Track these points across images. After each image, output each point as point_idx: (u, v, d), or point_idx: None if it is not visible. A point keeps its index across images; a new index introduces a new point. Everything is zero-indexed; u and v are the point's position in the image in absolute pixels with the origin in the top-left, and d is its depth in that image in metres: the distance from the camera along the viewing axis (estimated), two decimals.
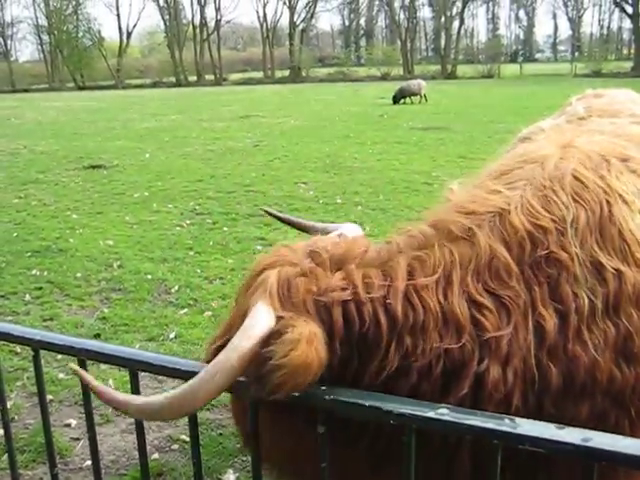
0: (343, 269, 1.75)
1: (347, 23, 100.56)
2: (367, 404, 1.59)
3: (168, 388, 4.54)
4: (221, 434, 4.01)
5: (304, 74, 65.47)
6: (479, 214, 1.88)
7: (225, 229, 8.86)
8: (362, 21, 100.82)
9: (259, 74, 70.56)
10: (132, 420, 4.14)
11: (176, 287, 6.59)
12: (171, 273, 7.03)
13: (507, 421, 1.47)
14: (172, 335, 5.42)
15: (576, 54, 78.44)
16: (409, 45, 70.16)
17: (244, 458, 3.78)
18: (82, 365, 1.99)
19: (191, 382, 1.54)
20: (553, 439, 1.43)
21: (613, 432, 1.72)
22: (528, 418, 1.66)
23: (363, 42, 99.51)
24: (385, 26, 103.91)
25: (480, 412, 1.54)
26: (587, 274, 1.77)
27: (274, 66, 70.74)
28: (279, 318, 1.61)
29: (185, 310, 5.99)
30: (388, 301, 1.69)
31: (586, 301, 1.74)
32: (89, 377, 1.70)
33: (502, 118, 21.48)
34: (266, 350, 1.52)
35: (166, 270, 7.13)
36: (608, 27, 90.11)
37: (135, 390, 1.99)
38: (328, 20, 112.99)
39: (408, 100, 30.63)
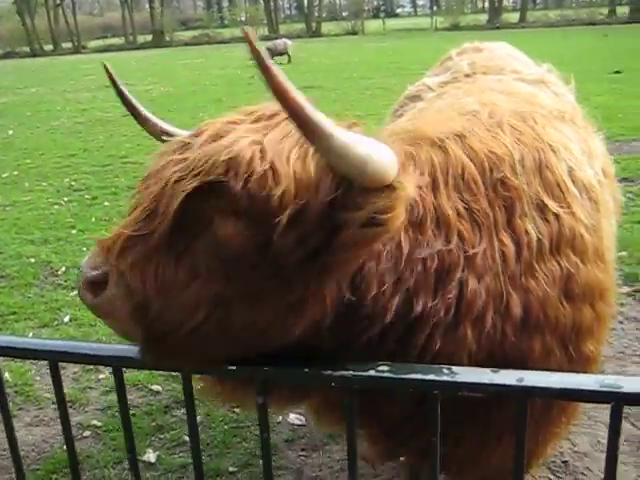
0: None
1: None
2: (307, 370, 1.66)
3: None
4: (134, 414, 3.97)
5: (168, 38, 63.30)
6: (444, 132, 1.91)
7: (106, 204, 8.60)
8: None
9: (120, 40, 67.37)
10: (37, 413, 4.06)
11: (63, 268, 6.36)
12: (55, 254, 6.77)
13: (445, 371, 1.57)
14: (66, 319, 5.26)
15: (435, 8, 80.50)
16: (272, 4, 69.38)
17: (161, 436, 3.78)
18: None
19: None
20: (490, 383, 1.55)
21: (556, 370, 1.91)
22: (496, 344, 1.80)
23: (225, 3, 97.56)
24: None
25: (419, 365, 1.64)
26: (534, 212, 1.87)
27: (135, 31, 67.80)
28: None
29: (76, 292, 5.78)
30: None
31: (534, 237, 1.83)
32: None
33: (371, 74, 21.88)
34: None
35: (49, 252, 6.86)
36: None
37: (57, 383, 1.94)
38: None
39: (277, 60, 30.48)
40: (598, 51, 26.58)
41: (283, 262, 1.49)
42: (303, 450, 3.59)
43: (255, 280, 1.53)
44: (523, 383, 1.56)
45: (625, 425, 3.55)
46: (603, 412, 3.55)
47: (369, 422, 2.01)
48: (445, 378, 1.59)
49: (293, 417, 3.81)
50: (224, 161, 1.48)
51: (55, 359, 1.95)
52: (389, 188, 1.41)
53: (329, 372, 1.63)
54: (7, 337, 2.23)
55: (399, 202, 1.43)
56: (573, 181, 2.03)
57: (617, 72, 18.67)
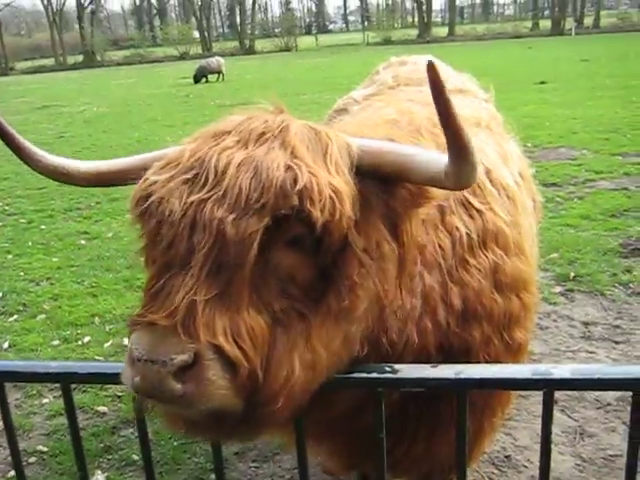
0: None
1: (138, 2, 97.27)
2: None
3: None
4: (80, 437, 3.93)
5: (99, 58, 62.52)
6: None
7: (43, 227, 8.44)
8: (154, 0, 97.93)
9: (50, 61, 66.17)
10: None
11: (0, 294, 6.23)
12: None
13: (387, 369, 1.64)
14: (6, 345, 5.14)
15: (366, 24, 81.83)
16: (205, 23, 69.27)
17: (109, 457, 3.75)
18: None
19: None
20: (430, 377, 1.64)
21: (495, 356, 2.02)
22: (444, 335, 1.90)
23: (157, 21, 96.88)
24: (178, 4, 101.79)
25: (363, 365, 1.71)
26: (460, 209, 1.98)
27: (65, 52, 66.69)
28: None
29: (15, 317, 5.69)
30: None
31: (464, 232, 1.94)
32: None
33: (305, 89, 22.09)
34: None
35: None
36: None
37: (2, 403, 1.89)
38: (118, 0, 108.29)
39: (211, 78, 30.44)
40: (524, 63, 27.51)
41: (353, 276, 1.50)
42: (254, 461, 3.61)
43: (325, 303, 1.48)
44: (461, 376, 1.66)
45: (562, 417, 3.71)
46: (540, 407, 3.70)
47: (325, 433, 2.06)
48: (388, 375, 1.67)
49: None
50: (297, 192, 1.37)
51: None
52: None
53: None
54: None
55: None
56: (490, 181, 2.17)
57: (542, 82, 19.37)
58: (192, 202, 1.39)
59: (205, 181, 1.42)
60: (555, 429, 3.64)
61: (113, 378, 1.70)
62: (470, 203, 2.01)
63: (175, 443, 3.75)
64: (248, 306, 1.36)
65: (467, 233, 1.95)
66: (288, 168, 1.40)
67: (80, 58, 64.61)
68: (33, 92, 31.66)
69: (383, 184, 1.57)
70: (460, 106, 2.67)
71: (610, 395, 3.91)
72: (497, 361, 2.06)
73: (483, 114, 2.76)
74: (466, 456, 1.78)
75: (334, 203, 1.40)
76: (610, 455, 3.44)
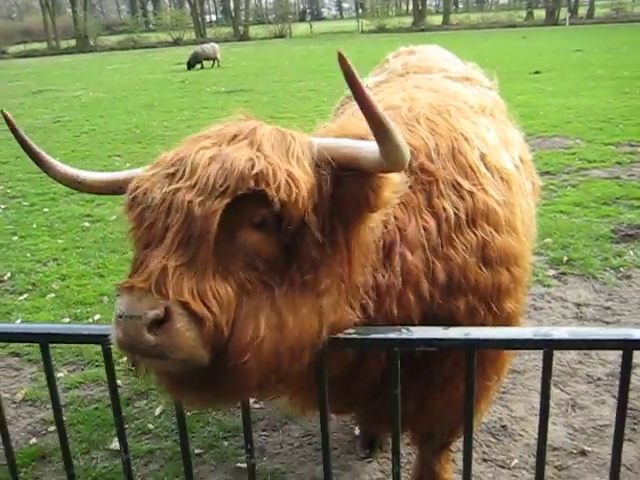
0: None
1: None
2: None
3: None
4: (97, 408, 4.10)
5: (92, 43, 62.04)
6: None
7: (46, 210, 8.59)
8: None
9: (42, 45, 65.67)
10: None
11: (8, 274, 6.37)
12: None
13: (404, 330, 1.85)
14: (17, 322, 5.32)
15: (360, 11, 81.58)
16: (199, 9, 68.94)
17: (126, 426, 3.92)
18: None
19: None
20: (443, 337, 1.85)
21: (481, 323, 2.24)
22: (427, 306, 2.10)
23: (150, 7, 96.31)
24: None
25: (381, 327, 1.91)
26: (450, 191, 2.18)
27: (58, 36, 66.18)
28: None
29: (25, 295, 5.85)
30: None
31: (452, 213, 2.14)
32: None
33: (301, 77, 22.18)
34: None
35: None
36: None
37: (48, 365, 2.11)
38: None
39: (206, 64, 30.44)
40: (518, 52, 27.66)
41: (311, 253, 1.72)
42: (264, 430, 3.81)
43: (288, 276, 1.69)
44: (470, 336, 1.86)
45: (555, 390, 3.92)
46: (535, 380, 3.91)
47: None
48: (404, 336, 1.87)
49: (251, 401, 4.02)
50: (253, 175, 1.61)
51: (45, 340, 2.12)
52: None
53: None
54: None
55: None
56: (485, 164, 2.36)
57: (536, 72, 19.55)
58: (170, 191, 1.65)
59: (182, 174, 1.67)
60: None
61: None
62: (461, 185, 2.21)
63: (189, 414, 3.93)
64: (215, 273, 1.59)
65: (455, 213, 2.15)
66: (249, 159, 1.65)
67: (73, 42, 64.13)
68: (27, 76, 31.58)
69: (340, 176, 1.76)
70: (466, 94, 2.86)
71: (600, 370, 4.13)
72: None
73: (487, 101, 2.94)
74: (473, 413, 1.98)
75: (290, 186, 1.62)
76: (600, 425, 3.66)
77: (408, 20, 65.24)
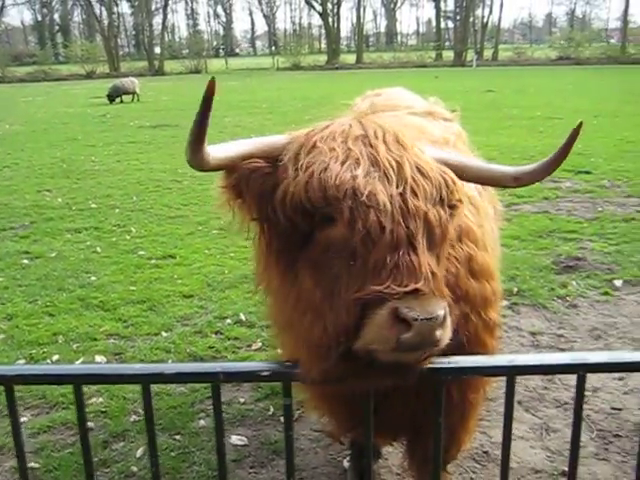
0: None
1: (40, 18, 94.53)
2: None
3: None
4: (72, 453, 3.97)
5: (0, 74, 60.16)
6: None
7: None
8: (56, 16, 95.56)
9: None
10: None
11: None
12: None
13: (451, 360, 1.93)
14: None
15: (273, 48, 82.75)
16: (113, 41, 68.11)
17: (106, 470, 3.82)
18: None
19: None
20: (488, 365, 1.98)
21: (475, 332, 2.43)
22: None
23: (59, 38, 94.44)
24: (82, 21, 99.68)
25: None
26: None
27: None
28: None
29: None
30: None
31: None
32: None
33: (225, 112, 22.18)
34: None
35: None
36: (300, 23, 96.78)
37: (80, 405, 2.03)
38: (18, 15, 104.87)
39: (125, 99, 30.05)
40: (433, 92, 28.29)
41: None
42: (252, 468, 3.78)
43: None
44: (513, 363, 1.98)
45: (527, 415, 4.11)
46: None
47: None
48: (452, 365, 1.97)
49: (235, 439, 4.01)
50: (456, 188, 1.96)
51: (80, 382, 2.06)
52: None
53: None
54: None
55: None
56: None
57: (453, 111, 20.29)
58: (395, 194, 1.81)
59: (397, 179, 1.84)
60: (523, 427, 4.04)
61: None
62: None
63: (172, 454, 3.88)
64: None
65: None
66: (443, 172, 1.93)
67: None
68: None
69: None
70: (430, 127, 3.05)
71: (565, 395, 4.34)
72: (477, 337, 2.46)
73: (450, 134, 3.13)
74: (510, 442, 2.10)
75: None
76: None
77: (322, 58, 66.71)
